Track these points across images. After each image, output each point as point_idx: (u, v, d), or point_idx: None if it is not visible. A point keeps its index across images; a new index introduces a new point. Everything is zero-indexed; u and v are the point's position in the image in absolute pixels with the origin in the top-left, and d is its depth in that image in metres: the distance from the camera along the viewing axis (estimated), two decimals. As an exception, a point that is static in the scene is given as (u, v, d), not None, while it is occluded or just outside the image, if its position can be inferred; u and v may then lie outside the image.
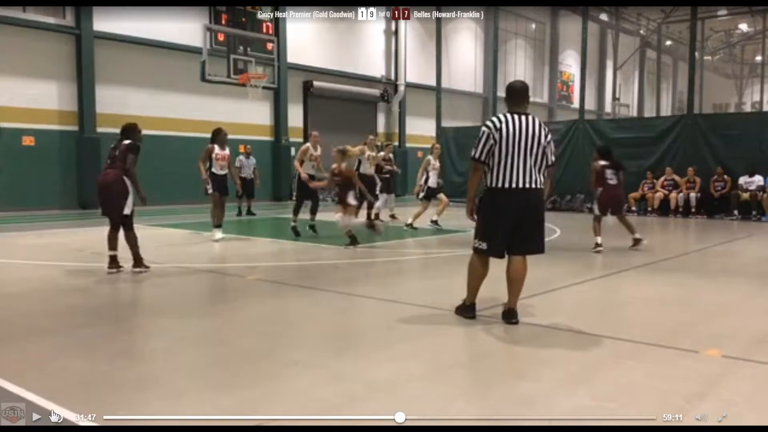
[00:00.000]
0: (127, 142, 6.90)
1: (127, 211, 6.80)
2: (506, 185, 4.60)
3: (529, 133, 4.62)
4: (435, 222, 11.44)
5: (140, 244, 7.02)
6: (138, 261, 6.92)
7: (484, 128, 4.68)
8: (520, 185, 4.59)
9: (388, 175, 12.97)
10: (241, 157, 14.83)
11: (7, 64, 15.23)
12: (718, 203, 14.95)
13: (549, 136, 4.75)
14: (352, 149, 10.21)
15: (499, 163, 4.61)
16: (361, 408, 3.14)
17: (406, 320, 4.92)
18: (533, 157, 4.63)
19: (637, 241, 9.03)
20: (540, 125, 4.70)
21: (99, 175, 7.08)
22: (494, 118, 4.71)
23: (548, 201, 4.94)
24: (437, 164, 11.76)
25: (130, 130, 7.02)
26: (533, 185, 4.63)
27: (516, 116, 4.65)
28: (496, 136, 4.60)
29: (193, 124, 18.42)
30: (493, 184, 4.65)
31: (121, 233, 6.90)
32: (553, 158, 4.83)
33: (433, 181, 11.55)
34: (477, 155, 4.66)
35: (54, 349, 4.16)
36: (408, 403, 3.13)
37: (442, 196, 11.65)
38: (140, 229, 7.72)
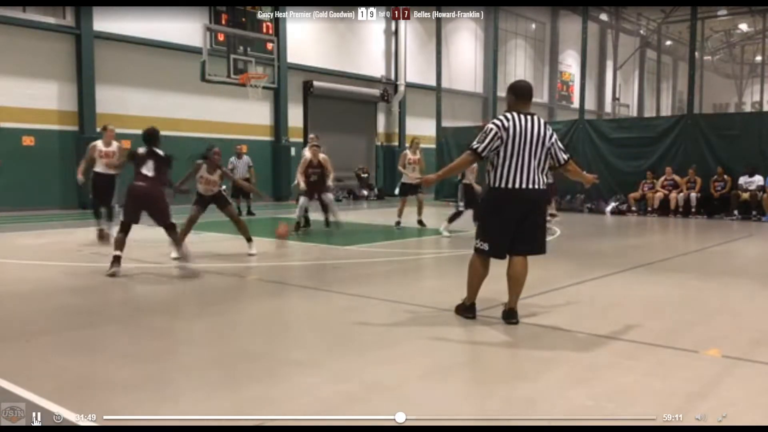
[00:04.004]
0: (161, 153, 6.96)
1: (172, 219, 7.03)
2: (509, 185, 4.59)
3: (534, 133, 4.61)
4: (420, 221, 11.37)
5: (139, 244, 7.05)
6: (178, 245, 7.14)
7: (491, 126, 4.63)
8: (524, 186, 4.59)
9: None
10: (232, 159, 14.76)
11: (7, 64, 15.20)
12: (718, 203, 14.94)
13: (554, 136, 4.73)
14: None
15: (503, 163, 4.60)
16: (361, 408, 3.14)
17: (406, 320, 4.92)
18: (537, 158, 4.62)
19: None
20: (545, 125, 4.69)
21: (137, 182, 6.86)
22: (501, 117, 4.66)
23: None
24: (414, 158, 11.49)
25: (156, 136, 7.04)
26: (536, 186, 4.63)
27: (522, 116, 4.63)
28: (504, 135, 4.57)
29: (193, 124, 18.42)
30: (497, 185, 4.64)
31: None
32: (566, 155, 4.81)
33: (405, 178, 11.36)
34: (480, 150, 4.61)
35: (54, 349, 4.16)
36: (408, 403, 3.13)
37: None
38: (141, 229, 7.72)
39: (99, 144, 9.34)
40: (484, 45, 28.42)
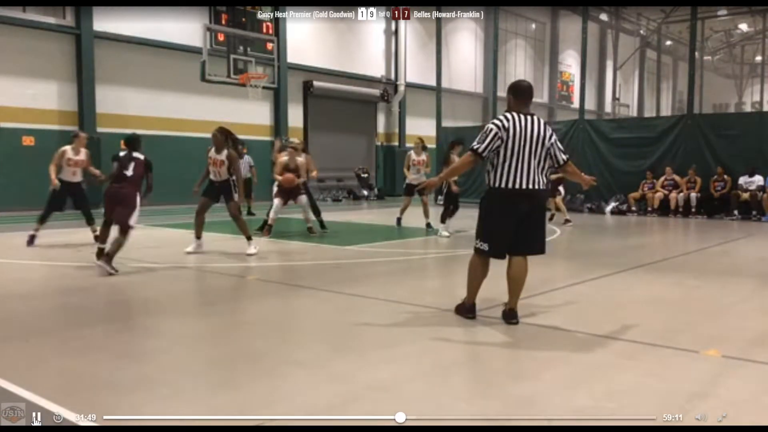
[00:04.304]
0: (141, 157, 7.13)
1: (132, 222, 7.01)
2: (509, 186, 4.58)
3: (534, 133, 4.60)
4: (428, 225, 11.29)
5: (139, 244, 7.05)
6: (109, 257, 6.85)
7: (491, 126, 4.62)
8: (524, 186, 4.58)
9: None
10: None
11: (7, 64, 15.21)
12: (718, 203, 14.94)
13: (553, 137, 4.73)
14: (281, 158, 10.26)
15: (503, 163, 4.59)
16: (361, 408, 3.14)
17: (406, 320, 4.92)
18: (537, 158, 4.61)
19: None
20: (544, 125, 4.69)
21: (114, 184, 7.08)
22: (501, 117, 4.65)
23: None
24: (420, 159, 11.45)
25: (138, 141, 7.30)
26: (536, 186, 4.63)
27: (522, 116, 4.62)
28: (504, 135, 4.56)
29: (193, 124, 18.42)
30: (497, 185, 4.63)
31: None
32: (565, 156, 4.81)
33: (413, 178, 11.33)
34: (481, 150, 4.60)
35: (54, 349, 4.16)
36: (408, 403, 3.13)
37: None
38: (140, 229, 7.73)
39: (68, 151, 8.87)
40: (484, 45, 28.43)
